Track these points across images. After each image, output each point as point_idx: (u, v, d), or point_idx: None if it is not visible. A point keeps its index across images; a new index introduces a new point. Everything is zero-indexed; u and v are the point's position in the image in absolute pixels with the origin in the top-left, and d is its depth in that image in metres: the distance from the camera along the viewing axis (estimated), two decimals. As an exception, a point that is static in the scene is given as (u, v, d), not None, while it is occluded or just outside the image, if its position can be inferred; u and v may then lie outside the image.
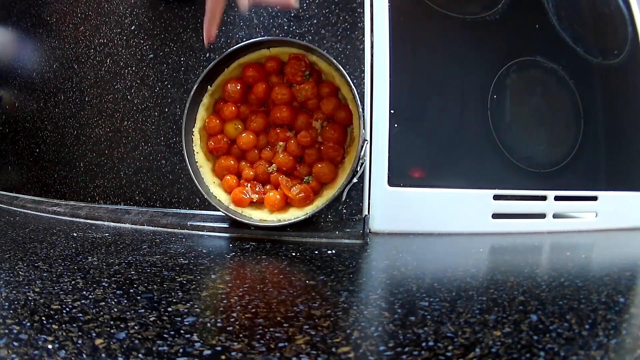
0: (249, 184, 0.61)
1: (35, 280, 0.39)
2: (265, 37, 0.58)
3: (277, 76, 0.61)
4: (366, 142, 0.59)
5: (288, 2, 0.56)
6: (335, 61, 0.57)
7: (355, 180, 0.58)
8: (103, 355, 0.26)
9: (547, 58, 0.71)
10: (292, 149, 0.60)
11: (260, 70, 0.61)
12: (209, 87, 0.61)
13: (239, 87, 0.61)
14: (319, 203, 0.58)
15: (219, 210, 0.59)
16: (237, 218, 0.58)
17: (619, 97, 0.76)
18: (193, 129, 0.61)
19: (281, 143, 0.61)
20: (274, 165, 0.61)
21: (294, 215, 0.58)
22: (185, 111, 0.60)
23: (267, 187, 0.61)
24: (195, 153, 0.61)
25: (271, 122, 0.62)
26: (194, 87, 0.60)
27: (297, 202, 0.58)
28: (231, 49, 0.59)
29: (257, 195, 0.60)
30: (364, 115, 0.60)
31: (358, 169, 0.57)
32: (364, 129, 0.57)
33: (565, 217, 0.71)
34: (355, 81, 0.65)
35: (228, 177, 0.61)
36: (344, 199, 0.61)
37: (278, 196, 0.59)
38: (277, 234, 0.59)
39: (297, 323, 0.32)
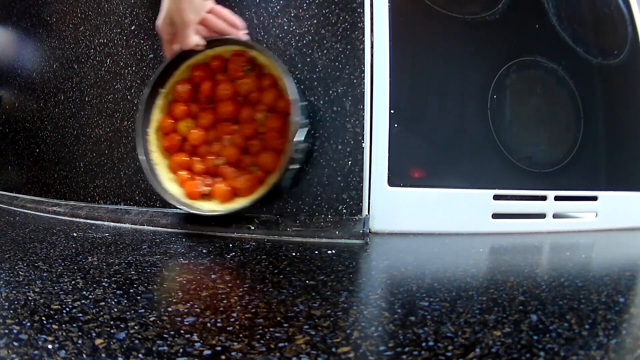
0: (200, 178, 0.64)
1: (35, 280, 0.39)
2: (209, 38, 0.62)
3: (222, 73, 0.65)
4: (301, 127, 0.58)
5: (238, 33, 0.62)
6: (270, 52, 0.60)
7: (297, 166, 0.60)
8: (103, 355, 0.26)
9: (547, 58, 0.71)
10: (237, 141, 0.63)
11: (206, 69, 0.65)
12: (161, 90, 0.65)
13: (188, 87, 0.65)
14: (262, 190, 0.60)
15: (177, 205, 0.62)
16: (189, 210, 0.61)
17: (619, 97, 0.76)
18: (148, 130, 0.65)
19: (227, 136, 0.64)
20: (221, 158, 0.64)
21: (240, 204, 0.60)
22: (138, 114, 0.64)
23: (217, 179, 0.64)
24: (151, 152, 0.65)
25: (219, 118, 0.65)
26: (147, 91, 0.64)
27: (244, 192, 0.61)
28: (177, 52, 0.63)
29: (208, 188, 0.63)
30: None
31: (295, 155, 0.58)
32: (301, 115, 0.58)
33: (565, 217, 0.71)
34: (355, 81, 0.65)
35: (181, 172, 0.65)
36: (288, 185, 0.62)
37: (226, 187, 0.62)
38: (277, 233, 0.59)
39: (297, 323, 0.32)
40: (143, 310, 0.33)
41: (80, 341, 0.28)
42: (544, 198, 0.68)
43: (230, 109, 0.63)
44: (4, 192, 0.96)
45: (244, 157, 0.63)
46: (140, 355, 0.26)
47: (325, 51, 0.68)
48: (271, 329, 0.31)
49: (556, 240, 0.66)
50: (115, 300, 0.35)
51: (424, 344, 0.29)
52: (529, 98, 0.71)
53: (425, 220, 0.64)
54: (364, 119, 0.64)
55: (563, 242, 0.65)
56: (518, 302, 0.36)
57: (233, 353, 0.27)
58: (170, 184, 0.64)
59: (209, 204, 0.63)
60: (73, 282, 0.40)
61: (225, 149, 0.63)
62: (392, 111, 0.64)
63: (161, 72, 0.64)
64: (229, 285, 0.41)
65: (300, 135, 0.57)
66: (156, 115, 0.65)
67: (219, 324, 0.32)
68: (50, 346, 0.27)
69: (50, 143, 0.89)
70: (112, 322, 0.31)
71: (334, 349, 0.28)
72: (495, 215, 0.66)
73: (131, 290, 0.38)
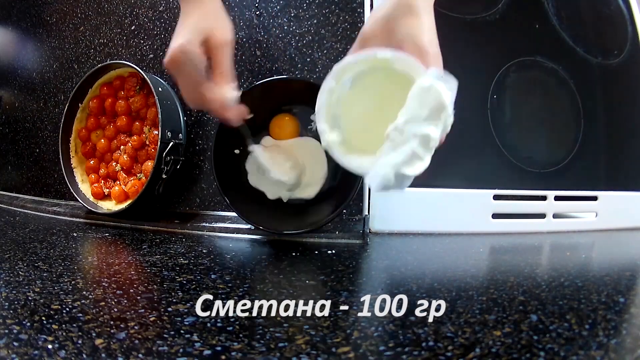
0: (103, 181, 0.75)
1: (35, 280, 0.39)
2: (110, 62, 0.72)
3: (121, 91, 0.75)
4: (166, 143, 0.65)
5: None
6: (152, 77, 0.68)
7: (164, 176, 0.67)
8: (103, 355, 0.26)
9: (547, 58, 0.71)
10: (129, 151, 0.73)
11: (111, 87, 0.75)
12: (80, 104, 0.76)
13: (97, 103, 0.75)
14: (136, 196, 0.68)
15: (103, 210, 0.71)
16: (91, 208, 0.71)
17: (619, 97, 0.76)
18: (70, 138, 0.76)
19: (122, 147, 0.74)
20: (118, 164, 0.74)
21: (127, 204, 0.69)
22: (61, 125, 0.75)
23: (116, 182, 0.74)
24: (71, 157, 0.76)
25: (118, 130, 0.75)
26: (66, 107, 0.75)
27: (132, 195, 0.71)
28: (90, 71, 0.73)
29: (108, 190, 0.74)
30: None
31: (162, 166, 0.66)
32: (167, 131, 0.66)
33: (565, 217, 0.71)
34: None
35: (91, 175, 0.76)
36: (159, 190, 0.68)
37: (120, 189, 0.72)
38: (276, 233, 0.59)
39: (297, 323, 0.32)
40: (143, 310, 0.33)
41: (80, 341, 0.28)
42: (544, 198, 0.68)
43: (124, 122, 0.73)
44: (4, 192, 0.96)
45: (135, 164, 0.73)
46: (140, 355, 0.26)
47: (325, 51, 0.68)
48: (271, 329, 0.31)
49: (556, 240, 0.66)
50: (115, 300, 0.35)
51: (424, 344, 0.29)
52: (529, 98, 0.71)
53: (425, 220, 0.64)
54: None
55: (563, 242, 0.65)
56: (518, 302, 0.36)
57: (233, 353, 0.27)
58: (83, 184, 0.76)
59: (109, 203, 0.73)
60: (73, 282, 0.40)
61: (121, 157, 0.73)
62: (392, 111, 0.64)
63: (81, 88, 0.75)
64: (229, 285, 0.41)
65: (169, 151, 0.66)
66: (76, 126, 0.77)
67: (219, 324, 0.32)
68: (50, 346, 0.27)
69: (50, 143, 0.89)
70: (112, 322, 0.31)
71: (334, 349, 0.28)
72: (495, 215, 0.66)
73: (131, 290, 0.38)
